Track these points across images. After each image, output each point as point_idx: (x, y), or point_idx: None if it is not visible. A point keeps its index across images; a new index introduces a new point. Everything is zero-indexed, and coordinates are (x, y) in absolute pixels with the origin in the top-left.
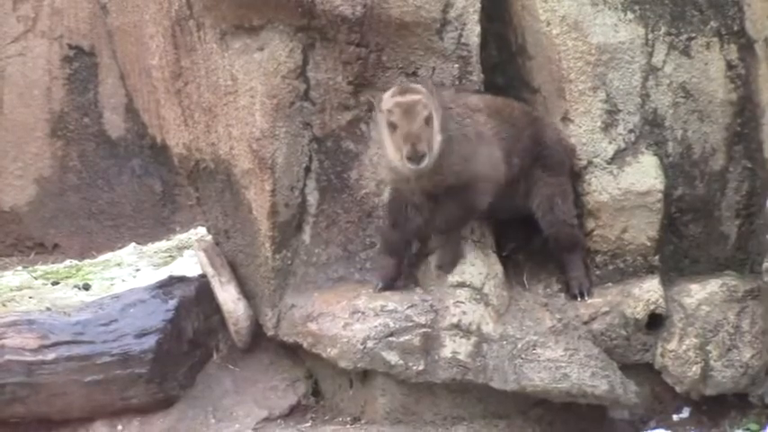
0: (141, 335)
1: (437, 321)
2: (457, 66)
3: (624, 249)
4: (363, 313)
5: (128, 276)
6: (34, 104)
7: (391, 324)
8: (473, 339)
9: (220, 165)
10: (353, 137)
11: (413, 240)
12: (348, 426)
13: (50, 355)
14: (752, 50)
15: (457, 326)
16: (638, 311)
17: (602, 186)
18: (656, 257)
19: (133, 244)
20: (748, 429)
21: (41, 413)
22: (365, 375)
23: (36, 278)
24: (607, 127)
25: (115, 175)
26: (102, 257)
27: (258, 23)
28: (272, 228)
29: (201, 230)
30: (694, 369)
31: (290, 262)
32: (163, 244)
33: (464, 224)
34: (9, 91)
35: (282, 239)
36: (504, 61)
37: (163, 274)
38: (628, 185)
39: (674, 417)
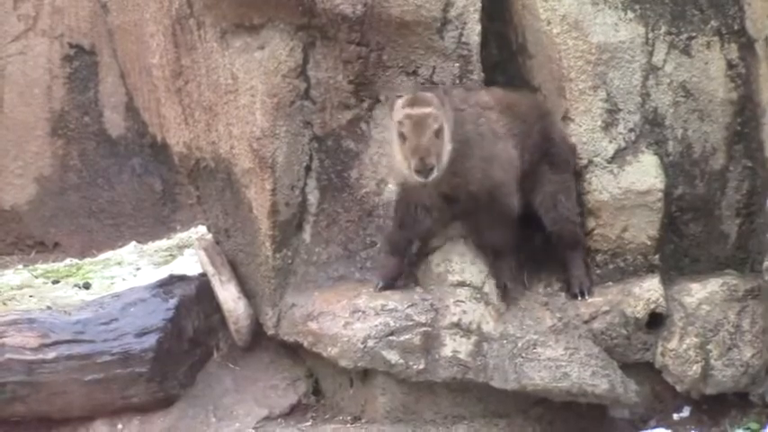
0: (142, 334)
1: (437, 320)
2: (457, 65)
3: (624, 248)
4: (364, 312)
5: (128, 275)
6: (35, 103)
7: (392, 323)
8: (473, 338)
9: (221, 163)
10: (354, 136)
11: (424, 240)
12: (348, 425)
13: (51, 354)
14: (752, 50)
15: (457, 325)
16: (639, 310)
17: (602, 185)
18: (657, 256)
19: (134, 243)
20: (749, 428)
21: (42, 412)
22: (365, 374)
23: (36, 277)
24: (607, 126)
25: (115, 173)
26: (102, 256)
27: (258, 22)
28: (273, 227)
29: (202, 229)
30: (695, 368)
31: (290, 261)
32: (163, 243)
33: (512, 233)
34: (9, 90)
35: (283, 238)
36: (505, 60)
37: (163, 272)
38: (628, 184)
39: (675, 416)
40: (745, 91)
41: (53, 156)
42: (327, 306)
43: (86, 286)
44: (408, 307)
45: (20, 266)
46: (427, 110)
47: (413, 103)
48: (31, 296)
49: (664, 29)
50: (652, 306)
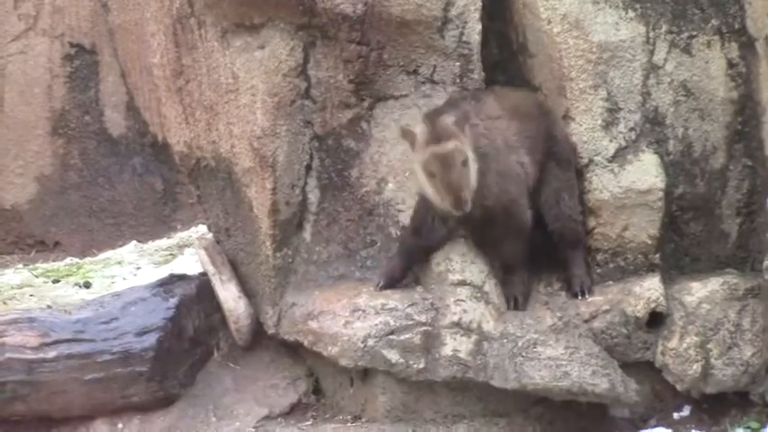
0: (142, 333)
1: (438, 319)
2: (458, 64)
3: (625, 247)
4: (364, 311)
5: (128, 274)
6: (35, 102)
7: (392, 322)
8: (474, 337)
9: (221, 163)
10: (354, 135)
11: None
12: (349, 424)
13: (51, 353)
14: (753, 49)
15: (457, 324)
16: (639, 310)
17: (602, 185)
18: (657, 256)
19: (134, 242)
20: (749, 428)
21: (42, 411)
22: (366, 374)
23: (37, 276)
24: (608, 125)
25: (116, 173)
26: (102, 255)
27: (259, 21)
28: (273, 226)
29: (202, 229)
30: (695, 367)
31: (290, 260)
32: (164, 242)
33: (524, 247)
34: (10, 89)
35: (283, 238)
36: (506, 59)
37: (163, 272)
38: (629, 184)
39: (675, 415)
40: (745, 90)
41: (54, 155)
42: (328, 305)
43: (87, 285)
44: (409, 306)
45: (20, 266)
46: (451, 145)
47: (436, 139)
48: (31, 295)
49: (664, 28)
50: (652, 305)
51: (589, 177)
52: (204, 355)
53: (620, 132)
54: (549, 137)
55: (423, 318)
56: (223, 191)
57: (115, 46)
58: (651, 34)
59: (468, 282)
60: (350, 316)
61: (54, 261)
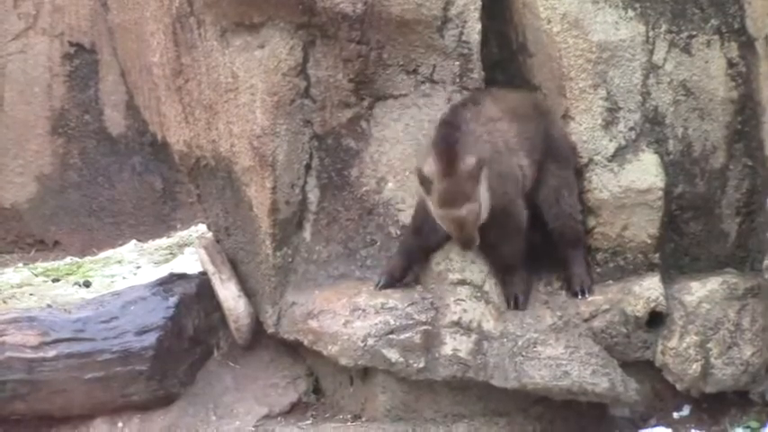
0: (142, 332)
1: (438, 319)
2: (458, 63)
3: (625, 247)
4: (364, 311)
5: (128, 274)
6: (35, 102)
7: (392, 321)
8: (474, 337)
9: (221, 162)
10: (354, 134)
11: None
12: (349, 423)
13: (51, 353)
14: (752, 48)
15: (457, 323)
16: (639, 309)
17: (602, 184)
18: (657, 255)
19: (134, 241)
20: (749, 427)
21: (42, 410)
22: (366, 373)
23: (37, 275)
24: (608, 125)
25: (116, 172)
26: (102, 255)
27: (259, 21)
28: (273, 225)
29: (202, 228)
30: (695, 367)
31: (290, 259)
32: (163, 241)
33: (523, 248)
34: (10, 88)
35: (283, 237)
36: (505, 59)
37: (163, 271)
38: (628, 183)
39: (675, 414)
40: (745, 89)
41: (53, 154)
42: (328, 304)
43: (86, 284)
44: (409, 305)
45: (20, 265)
46: (464, 211)
47: (451, 201)
48: (31, 294)
49: (664, 27)
50: (652, 305)
51: (589, 177)
52: (204, 355)
53: (620, 132)
54: (547, 136)
55: (423, 317)
56: (223, 190)
57: (115, 45)
58: (651, 34)
59: (468, 281)
60: (350, 315)
61: (54, 260)
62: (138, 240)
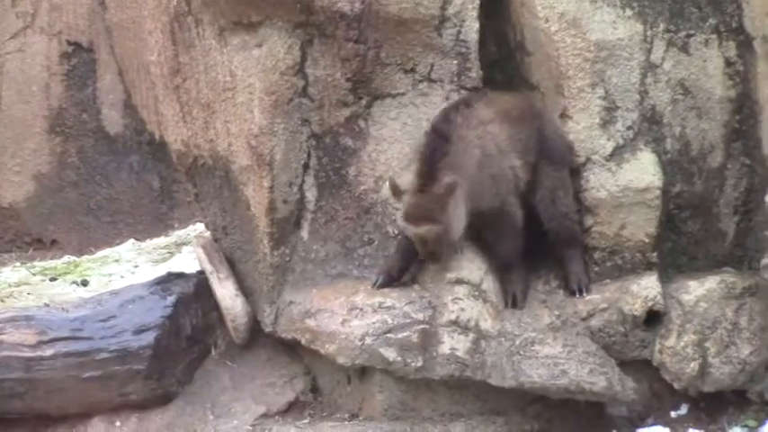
0: (139, 331)
1: (435, 318)
2: (455, 62)
3: (622, 246)
4: (361, 310)
5: (126, 272)
6: (33, 101)
7: (389, 321)
8: (471, 336)
9: (219, 161)
10: (352, 133)
11: None
12: (346, 422)
13: (49, 351)
14: (750, 47)
15: (455, 322)
16: (637, 308)
17: (600, 183)
18: (655, 254)
19: (131, 240)
20: (746, 426)
21: (39, 409)
22: (363, 372)
23: (34, 274)
24: (605, 124)
25: (113, 171)
26: (100, 254)
27: (256, 20)
28: (271, 224)
29: (200, 227)
30: (692, 366)
31: (288, 258)
32: (161, 240)
33: (520, 244)
34: (7, 87)
35: (281, 236)
36: (503, 58)
37: (161, 270)
38: (626, 182)
39: (672, 413)
40: (743, 88)
41: (51, 153)
42: (325, 303)
43: (84, 283)
44: (406, 304)
45: (17, 264)
46: (424, 230)
47: (412, 221)
48: (28, 293)
49: (662, 26)
50: (650, 303)
51: (586, 176)
52: (202, 354)
53: (618, 131)
54: (541, 137)
55: (420, 316)
56: (220, 189)
57: (112, 44)
58: (649, 33)
59: (466, 280)
60: (347, 314)
61: (51, 259)
62: (136, 239)
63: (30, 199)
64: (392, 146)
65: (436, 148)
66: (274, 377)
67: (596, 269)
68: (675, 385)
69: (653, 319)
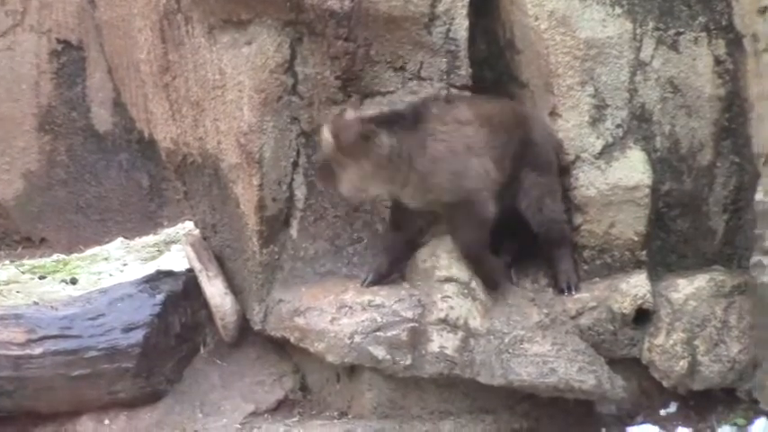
0: (128, 329)
1: (424, 316)
2: (445, 60)
3: (612, 244)
4: (351, 308)
5: (115, 271)
6: (22, 99)
7: (378, 319)
8: (460, 334)
9: (208, 159)
10: None
11: (416, 241)
12: (335, 420)
13: (38, 350)
14: (740, 46)
15: (444, 320)
16: (626, 306)
17: (589, 181)
18: (644, 252)
19: (120, 238)
20: (735, 424)
21: (28, 407)
22: (352, 370)
23: (23, 272)
24: (595, 122)
25: (103, 169)
26: (89, 252)
27: (246, 18)
28: (260, 222)
29: (189, 225)
30: (681, 364)
31: (277, 256)
32: (150, 238)
33: (484, 239)
34: None
35: (270, 234)
36: (493, 56)
37: (150, 268)
38: (615, 180)
39: (662, 411)
40: (732, 87)
41: (40, 151)
42: (314, 301)
43: (73, 282)
44: (395, 302)
45: (6, 262)
46: (325, 134)
47: (330, 128)
48: (17, 292)
49: (651, 24)
50: (639, 302)
51: (576, 174)
52: (191, 352)
53: (607, 129)
54: (525, 144)
55: (409, 314)
56: (210, 187)
57: (102, 42)
58: (638, 31)
59: (455, 278)
60: (336, 312)
61: (40, 257)
62: (125, 237)
63: (19, 197)
64: None
65: (397, 115)
66: (263, 375)
67: (585, 267)
68: (665, 383)
69: (642, 317)
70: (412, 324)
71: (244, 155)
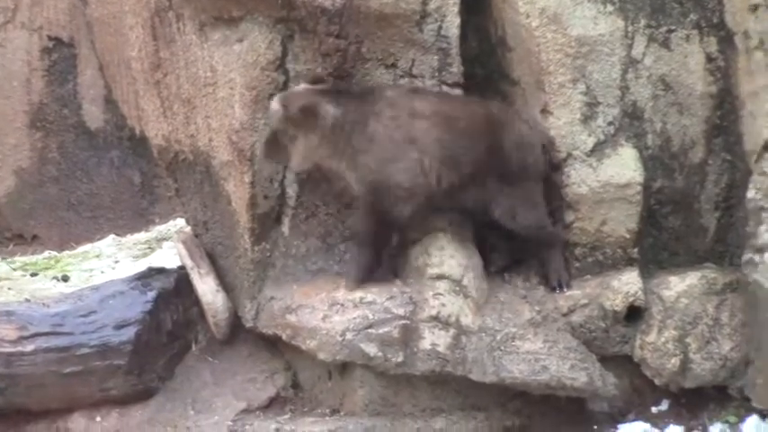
0: (120, 326)
1: (416, 313)
2: (436, 57)
3: (603, 242)
4: (342, 305)
5: (107, 268)
6: (13, 96)
7: (370, 316)
8: (452, 331)
9: (199, 156)
10: None
11: (397, 231)
12: (327, 418)
13: (29, 347)
14: (731, 43)
15: (436, 318)
16: (617, 303)
17: (581, 179)
18: (636, 250)
19: (112, 235)
20: (727, 422)
21: (20, 404)
22: (344, 367)
23: (15, 269)
24: (586, 119)
25: (94, 166)
26: (81, 249)
27: (237, 15)
28: (252, 219)
29: (180, 222)
30: (673, 361)
31: (269, 254)
32: (142, 235)
33: (378, 236)
34: None
35: (261, 231)
36: (484, 53)
37: (142, 265)
38: (607, 178)
39: (653, 409)
40: (724, 84)
41: (32, 148)
42: (306, 299)
43: (65, 279)
44: (387, 300)
45: None
46: (275, 106)
47: (281, 101)
48: (9, 289)
49: (643, 22)
50: (631, 299)
51: (567, 171)
52: (182, 349)
53: (599, 126)
54: (492, 151)
55: (401, 311)
56: (201, 184)
57: (93, 39)
58: (630, 28)
59: (447, 276)
60: (328, 310)
61: (32, 254)
62: (117, 235)
63: (10, 194)
64: None
65: (347, 89)
66: (255, 373)
67: (577, 265)
68: (656, 381)
69: (634, 314)
70: (404, 321)
71: (235, 152)
